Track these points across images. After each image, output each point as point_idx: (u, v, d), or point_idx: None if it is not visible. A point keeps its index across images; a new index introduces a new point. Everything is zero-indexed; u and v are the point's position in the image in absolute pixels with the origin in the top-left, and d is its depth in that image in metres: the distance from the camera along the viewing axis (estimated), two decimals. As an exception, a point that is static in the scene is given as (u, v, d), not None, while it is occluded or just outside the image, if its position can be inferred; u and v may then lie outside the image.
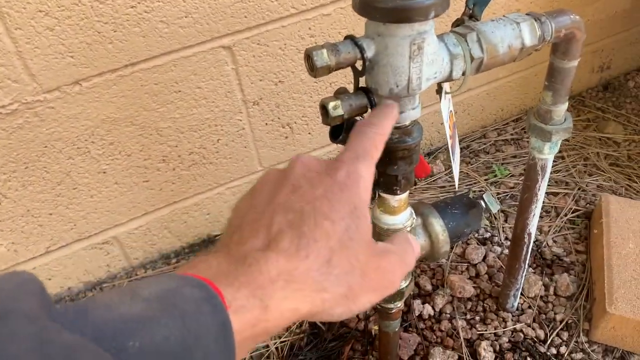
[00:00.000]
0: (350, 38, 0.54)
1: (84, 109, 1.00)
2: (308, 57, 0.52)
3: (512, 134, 1.58)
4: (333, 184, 0.39)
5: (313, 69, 0.52)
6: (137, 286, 0.30)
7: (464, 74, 0.61)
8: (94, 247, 1.19)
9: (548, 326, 1.07)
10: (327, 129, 0.60)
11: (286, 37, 1.11)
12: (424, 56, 0.54)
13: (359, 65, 0.55)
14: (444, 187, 1.41)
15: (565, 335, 1.05)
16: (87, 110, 1.00)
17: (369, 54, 0.54)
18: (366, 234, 0.39)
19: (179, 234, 1.29)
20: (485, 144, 1.56)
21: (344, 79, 1.23)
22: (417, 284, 1.15)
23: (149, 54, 0.99)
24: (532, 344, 1.04)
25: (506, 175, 1.43)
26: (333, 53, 0.52)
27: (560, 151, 1.48)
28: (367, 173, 0.42)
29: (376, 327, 1.06)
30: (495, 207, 0.79)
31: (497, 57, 0.61)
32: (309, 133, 1.29)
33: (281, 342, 1.09)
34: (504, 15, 0.64)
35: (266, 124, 1.21)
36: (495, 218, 1.31)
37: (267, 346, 1.08)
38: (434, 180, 1.44)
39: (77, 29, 0.91)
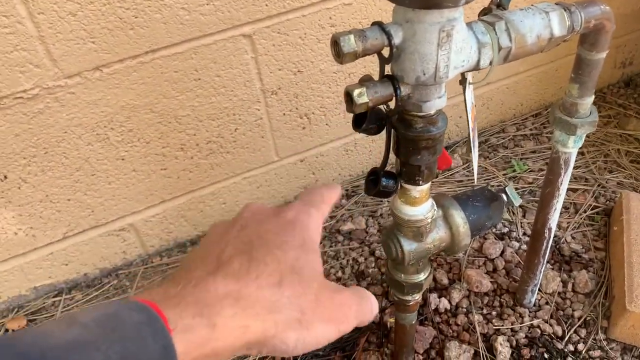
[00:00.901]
0: (377, 24, 0.53)
1: (104, 95, 1.00)
2: (335, 42, 0.51)
3: (531, 129, 1.56)
4: (282, 221, 0.41)
5: (339, 55, 0.51)
6: (77, 313, 0.30)
7: (491, 63, 0.60)
8: (110, 233, 1.20)
9: (566, 323, 1.06)
10: (345, 120, 0.60)
11: (306, 27, 1.10)
12: (453, 44, 0.53)
13: (385, 52, 0.55)
14: (461, 181, 1.40)
15: (583, 332, 1.04)
16: (107, 97, 1.01)
17: (397, 40, 0.53)
18: (318, 267, 0.40)
19: (195, 222, 1.29)
20: (504, 138, 1.54)
21: (363, 69, 1.22)
22: (433, 278, 1.14)
23: (170, 41, 0.99)
24: (550, 340, 1.03)
25: (525, 171, 1.42)
26: (360, 39, 0.51)
27: (580, 147, 1.46)
28: (316, 215, 0.44)
29: (392, 320, 1.06)
30: (517, 201, 0.78)
31: (525, 47, 0.60)
32: (327, 124, 1.29)
33: (296, 332, 1.08)
34: (532, 5, 0.63)
35: (284, 114, 1.21)
36: (514, 213, 1.29)
37: (282, 336, 1.08)
38: (451, 175, 1.43)
39: (99, 14, 0.91)
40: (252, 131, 1.20)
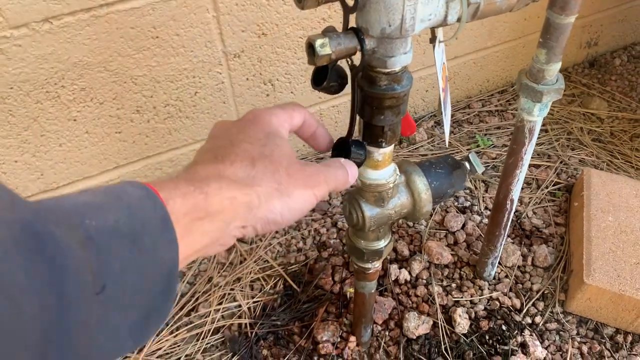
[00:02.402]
0: (342, -31, 0.50)
1: (54, 49, 0.94)
2: (295, -14, 0.48)
3: (496, 106, 1.56)
4: (243, 122, 0.47)
5: (300, 0, 0.48)
6: (85, 189, 0.34)
7: (459, 19, 0.57)
8: (62, 198, 1.14)
9: (524, 296, 1.06)
10: (310, 89, 0.57)
11: (272, -13, 1.06)
12: (420, -6, 0.50)
13: (350, 1, 0.52)
14: (426, 155, 1.39)
15: (541, 305, 1.05)
16: (57, 52, 0.95)
17: (362, -13, 0.50)
18: (286, 150, 0.45)
19: (152, 190, 1.24)
20: (469, 114, 1.54)
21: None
22: (394, 249, 1.13)
23: (126, -6, 0.94)
24: (508, 312, 1.03)
25: (489, 146, 1.42)
26: (323, -17, 0.48)
27: (544, 124, 1.46)
28: (281, 113, 0.50)
29: (351, 290, 1.05)
30: (480, 168, 0.76)
31: (494, 3, 0.58)
32: (292, 92, 1.25)
33: (254, 302, 1.06)
34: (504, -39, 0.60)
35: (247, 79, 1.17)
36: (476, 187, 1.29)
37: (240, 306, 1.06)
38: (416, 149, 1.42)
39: (47, -39, 0.85)
40: (213, 96, 1.15)
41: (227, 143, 0.44)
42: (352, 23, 0.54)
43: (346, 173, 0.50)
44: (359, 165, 0.62)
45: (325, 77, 0.56)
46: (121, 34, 0.98)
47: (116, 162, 1.15)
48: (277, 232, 1.21)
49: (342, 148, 0.60)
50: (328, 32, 0.53)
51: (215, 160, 0.42)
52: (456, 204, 1.25)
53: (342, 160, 0.52)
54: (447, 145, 0.92)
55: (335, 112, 1.36)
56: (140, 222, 0.32)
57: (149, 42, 1.01)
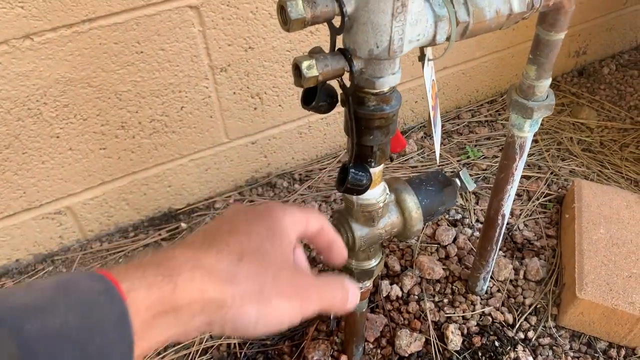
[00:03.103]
0: (328, -11, 0.49)
1: (35, 66, 0.92)
2: (282, 8, 0.47)
3: (486, 116, 1.56)
4: (253, 213, 0.43)
5: (286, 22, 0.47)
6: (33, 281, 0.31)
7: (448, 38, 0.56)
8: (45, 217, 1.12)
9: (517, 310, 1.05)
10: (299, 102, 0.55)
11: (258, 0, 1.04)
12: (408, 15, 0.49)
13: (337, 22, 0.51)
14: (415, 167, 1.38)
15: (533, 319, 1.04)
16: (39, 68, 0.93)
17: (349, 9, 0.49)
18: (284, 253, 0.41)
19: (138, 206, 1.22)
20: (459, 124, 1.53)
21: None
22: (385, 264, 1.12)
23: (109, 9, 0.92)
24: (500, 328, 1.02)
25: (479, 157, 1.41)
26: (309, 5, 0.47)
27: (533, 135, 1.46)
28: (297, 215, 0.44)
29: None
30: (471, 186, 0.75)
31: (483, 22, 0.57)
32: (280, 105, 1.24)
33: (243, 321, 1.04)
34: (492, -21, 0.59)
35: (234, 92, 1.15)
36: (467, 200, 1.28)
37: (228, 325, 1.03)
38: (405, 160, 1.41)
39: (28, -24, 0.83)
40: (200, 110, 1.13)
41: (225, 229, 0.40)
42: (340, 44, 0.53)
43: (345, 296, 0.43)
44: (362, 192, 0.61)
45: (315, 97, 0.54)
46: (105, 50, 0.96)
47: (101, 178, 1.13)
48: (266, 247, 1.19)
49: (343, 172, 0.59)
50: (315, 53, 0.51)
51: (201, 246, 0.38)
52: (447, 217, 1.23)
53: (346, 280, 0.44)
54: (437, 162, 0.91)
55: (324, 124, 1.35)
56: (92, 321, 0.29)
57: (133, 57, 0.99)
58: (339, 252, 0.48)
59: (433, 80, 0.65)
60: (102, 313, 0.30)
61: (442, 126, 1.52)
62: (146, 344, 0.33)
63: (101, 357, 0.29)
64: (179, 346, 1.01)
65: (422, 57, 0.61)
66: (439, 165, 1.38)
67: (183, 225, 1.24)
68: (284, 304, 0.38)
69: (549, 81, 0.72)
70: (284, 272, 0.39)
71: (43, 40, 0.90)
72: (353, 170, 0.58)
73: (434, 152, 1.21)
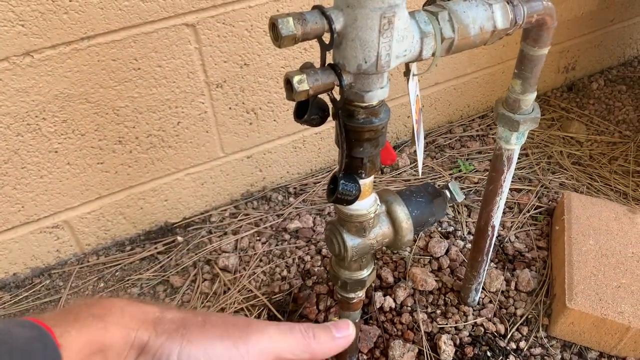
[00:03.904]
0: (318, 8, 0.51)
1: (35, 82, 0.94)
2: (273, 25, 0.49)
3: (477, 130, 1.58)
4: (229, 316, 0.41)
5: (278, 39, 0.49)
6: None
7: (434, 54, 0.59)
8: (42, 231, 1.13)
9: (508, 321, 1.06)
10: (291, 116, 0.57)
11: (253, 18, 1.07)
12: (395, 31, 0.52)
13: (326, 38, 0.53)
14: (408, 180, 1.40)
15: (525, 330, 1.05)
16: (38, 84, 0.95)
17: (338, 25, 0.51)
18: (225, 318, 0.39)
19: (134, 220, 1.24)
20: (450, 139, 1.55)
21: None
22: (378, 276, 1.13)
23: (107, 27, 0.94)
24: (492, 338, 1.03)
25: (471, 171, 1.43)
26: (300, 22, 0.49)
27: (524, 148, 1.48)
28: (275, 335, 0.40)
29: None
30: (460, 197, 0.77)
31: (468, 38, 0.59)
32: (274, 120, 1.26)
33: (238, 333, 1.05)
34: (476, -3, 0.62)
35: (230, 108, 1.17)
36: (459, 212, 1.30)
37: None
38: (398, 174, 1.43)
39: (29, -4, 0.86)
40: (196, 125, 1.15)
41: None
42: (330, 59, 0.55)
43: (311, 342, 0.40)
44: (351, 202, 0.62)
45: (307, 110, 0.56)
46: (103, 66, 0.98)
47: (98, 192, 1.14)
48: (260, 260, 1.20)
49: (333, 182, 0.61)
50: (306, 68, 0.54)
51: (137, 301, 0.38)
52: (439, 229, 1.25)
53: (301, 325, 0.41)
54: (419, 175, 0.93)
55: (319, 138, 1.37)
56: None
57: (130, 74, 1.01)
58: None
59: (417, 95, 0.67)
60: None
61: (434, 140, 1.54)
62: None
63: None
64: None
65: (407, 72, 0.64)
66: (420, 179, 1.40)
67: (179, 238, 1.26)
68: (213, 343, 0.36)
69: (534, 95, 0.75)
70: (214, 316, 0.38)
71: (43, 57, 0.92)
72: (343, 181, 0.60)
73: (419, 165, 1.23)
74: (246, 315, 1.08)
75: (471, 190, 1.37)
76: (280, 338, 0.39)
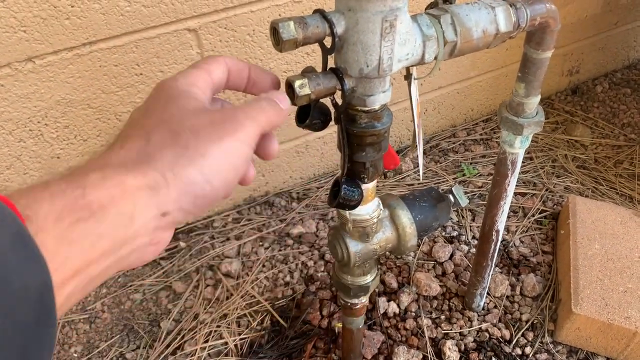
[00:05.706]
0: (319, 12, 0.51)
1: (37, 88, 0.94)
2: (274, 29, 0.49)
3: (481, 134, 1.58)
4: (147, 99, 0.39)
5: (279, 43, 0.49)
6: None
7: (436, 57, 0.58)
8: (45, 236, 1.13)
9: (514, 326, 1.05)
10: (294, 121, 0.57)
11: (255, 23, 1.07)
12: (396, 35, 0.51)
13: (327, 42, 0.52)
14: (412, 184, 1.39)
15: (530, 335, 1.04)
16: (40, 90, 0.95)
17: (339, 29, 0.50)
18: (191, 107, 0.37)
19: (137, 225, 1.23)
20: (454, 143, 1.55)
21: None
22: (382, 281, 1.12)
23: (109, 33, 0.94)
24: (498, 344, 1.02)
25: (474, 175, 1.42)
26: (300, 26, 0.49)
27: (528, 152, 1.48)
28: (195, 72, 0.41)
29: (339, 325, 1.03)
30: (464, 201, 0.76)
31: (471, 41, 0.59)
32: (277, 125, 1.25)
33: (241, 339, 1.05)
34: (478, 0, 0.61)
35: (232, 113, 1.17)
36: (463, 217, 1.29)
37: (226, 343, 1.04)
38: (402, 178, 1.42)
39: (30, 1, 0.85)
40: (199, 130, 1.15)
41: (126, 128, 0.37)
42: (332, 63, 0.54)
43: (272, 101, 0.41)
44: (353, 207, 0.62)
45: (309, 115, 0.56)
46: (105, 72, 0.98)
47: (101, 198, 1.14)
48: (263, 265, 1.20)
49: (335, 187, 0.60)
50: (307, 72, 0.53)
51: (107, 150, 0.35)
52: (444, 234, 1.24)
53: (264, 93, 0.43)
54: (421, 179, 0.92)
55: (321, 143, 1.37)
56: None
57: (132, 79, 1.01)
58: (262, 77, 0.46)
59: (417, 99, 0.66)
60: None
61: (438, 144, 1.54)
62: (74, 263, 0.29)
63: (2, 283, 0.25)
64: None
65: (408, 76, 0.63)
66: (424, 183, 1.40)
67: (182, 244, 1.25)
68: (219, 146, 0.35)
69: (538, 98, 0.74)
70: (200, 120, 0.36)
71: (45, 63, 0.92)
72: (345, 186, 0.60)
73: (424, 169, 1.23)
74: (249, 321, 1.08)
75: (475, 194, 1.36)
76: (256, 121, 0.39)
